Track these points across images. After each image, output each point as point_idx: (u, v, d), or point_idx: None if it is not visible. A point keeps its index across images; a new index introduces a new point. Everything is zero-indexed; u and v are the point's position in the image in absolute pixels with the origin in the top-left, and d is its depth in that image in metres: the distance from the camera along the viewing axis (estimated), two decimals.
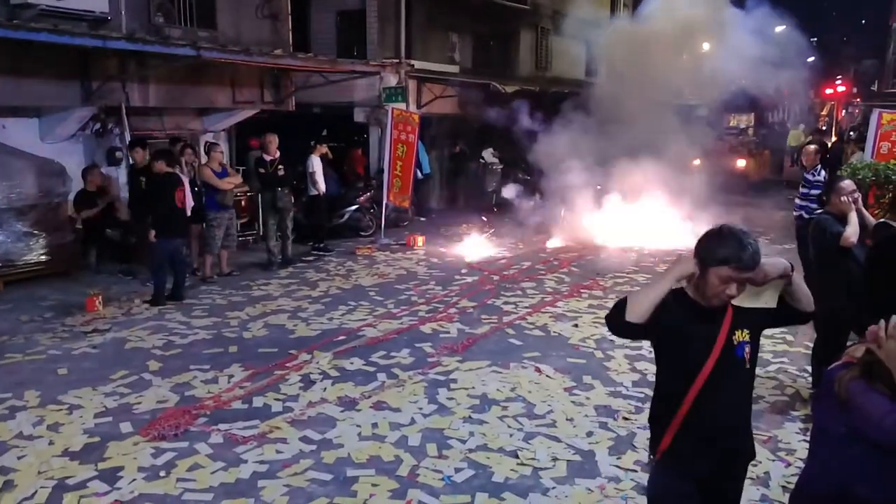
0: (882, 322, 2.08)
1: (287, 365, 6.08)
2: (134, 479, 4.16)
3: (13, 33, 7.40)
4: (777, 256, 2.57)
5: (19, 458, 4.42)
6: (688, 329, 2.51)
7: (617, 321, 2.49)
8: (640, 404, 5.25)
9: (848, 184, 5.12)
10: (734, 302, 2.53)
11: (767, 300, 2.57)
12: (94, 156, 9.89)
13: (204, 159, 9.91)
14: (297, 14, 12.85)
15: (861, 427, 2.09)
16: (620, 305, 2.49)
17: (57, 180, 8.96)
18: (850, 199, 4.97)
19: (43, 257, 8.77)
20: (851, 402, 2.09)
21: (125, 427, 4.86)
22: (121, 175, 9.84)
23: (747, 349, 2.56)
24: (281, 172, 9.87)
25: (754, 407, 4.98)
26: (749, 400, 2.72)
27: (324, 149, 11.08)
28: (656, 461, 2.67)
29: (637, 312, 2.43)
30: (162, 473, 4.24)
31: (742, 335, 2.55)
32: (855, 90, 29.60)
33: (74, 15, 8.55)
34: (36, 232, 8.70)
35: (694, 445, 2.58)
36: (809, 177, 8.23)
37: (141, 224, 8.58)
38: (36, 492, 4.01)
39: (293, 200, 10.37)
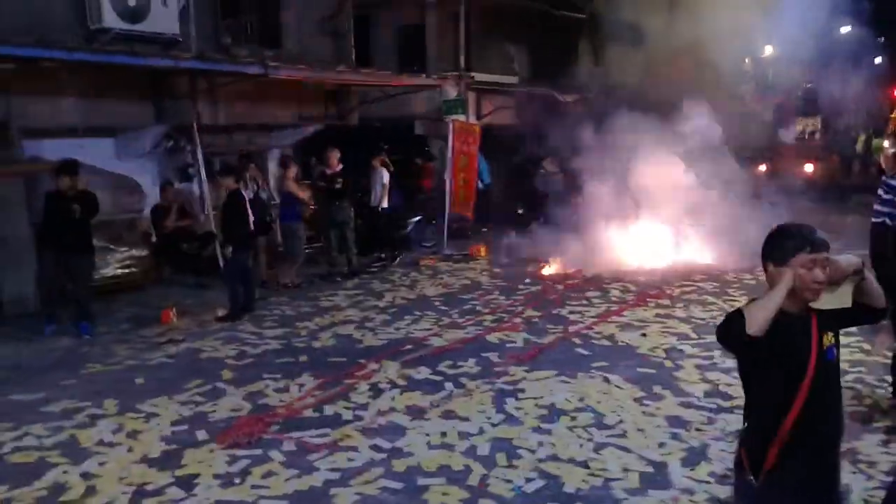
0: None
1: (356, 374, 6.13)
2: (210, 486, 4.25)
3: (92, 56, 7.76)
4: (850, 254, 2.50)
5: (100, 464, 4.57)
6: (784, 338, 2.44)
7: (736, 335, 2.41)
8: (712, 415, 5.09)
9: None
10: (813, 305, 2.47)
11: (843, 300, 2.50)
12: (167, 172, 10.26)
13: (271, 174, 10.19)
14: (358, 30, 13.08)
15: None
16: (736, 319, 2.42)
17: (132, 196, 9.35)
18: None
19: (119, 271, 9.14)
20: None
21: (201, 435, 4.97)
22: (194, 190, 10.18)
23: (835, 352, 2.51)
24: (338, 185, 10.05)
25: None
26: (842, 404, 2.62)
27: (378, 162, 11.16)
28: (760, 484, 2.53)
29: (758, 325, 2.36)
30: (237, 480, 4.32)
31: (829, 339, 2.50)
32: None
33: (148, 38, 8.91)
34: (112, 246, 9.08)
35: (803, 458, 2.48)
36: (893, 182, 7.83)
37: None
38: (117, 498, 4.13)
39: (353, 213, 10.52)
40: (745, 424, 2.71)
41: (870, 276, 2.49)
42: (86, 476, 4.41)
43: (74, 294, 7.61)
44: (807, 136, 21.73)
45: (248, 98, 10.63)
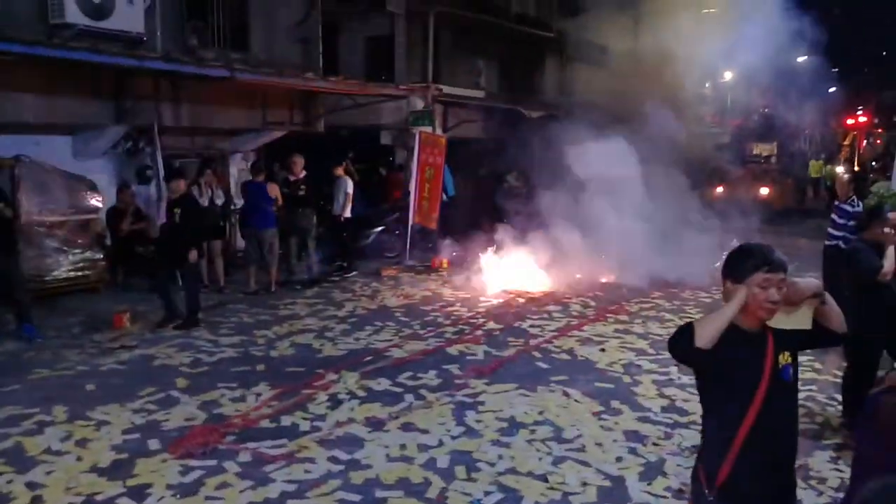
0: None
1: (314, 384, 6.05)
2: (162, 497, 4.15)
3: (52, 52, 7.57)
4: (811, 276, 2.57)
5: (48, 473, 4.42)
6: (737, 354, 2.49)
7: (684, 347, 2.47)
8: (669, 430, 5.17)
9: (895, 216, 5.04)
10: (772, 324, 2.53)
11: (802, 321, 2.56)
12: (125, 174, 10.04)
13: (232, 178, 10.07)
14: (327, 38, 13.03)
15: None
16: (687, 332, 2.48)
17: (88, 197, 9.11)
18: (894, 231, 4.89)
19: (72, 273, 8.89)
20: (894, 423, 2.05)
21: (153, 444, 4.85)
22: (152, 193, 9.96)
23: (791, 372, 2.56)
24: (301, 192, 9.96)
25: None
26: (797, 423, 2.68)
27: (341, 170, 11.08)
28: (714, 498, 2.58)
29: (707, 338, 2.42)
30: (190, 491, 4.22)
31: (785, 357, 2.55)
32: (876, 121, 29.47)
33: (112, 35, 8.72)
34: (66, 248, 8.83)
35: (755, 474, 2.52)
36: (848, 208, 8.08)
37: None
38: None
39: (315, 221, 10.44)
40: (701, 438, 2.76)
41: (830, 300, 2.55)
42: (31, 486, 4.26)
43: (10, 296, 7.37)
44: (762, 160, 22.34)
45: (212, 101, 10.48)
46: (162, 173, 9.48)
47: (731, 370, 2.50)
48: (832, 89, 29.93)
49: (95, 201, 9.23)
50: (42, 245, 8.61)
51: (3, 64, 7.75)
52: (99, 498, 4.13)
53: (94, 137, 9.51)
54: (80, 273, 8.91)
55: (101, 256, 9.32)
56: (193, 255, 7.83)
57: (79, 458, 4.63)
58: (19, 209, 8.34)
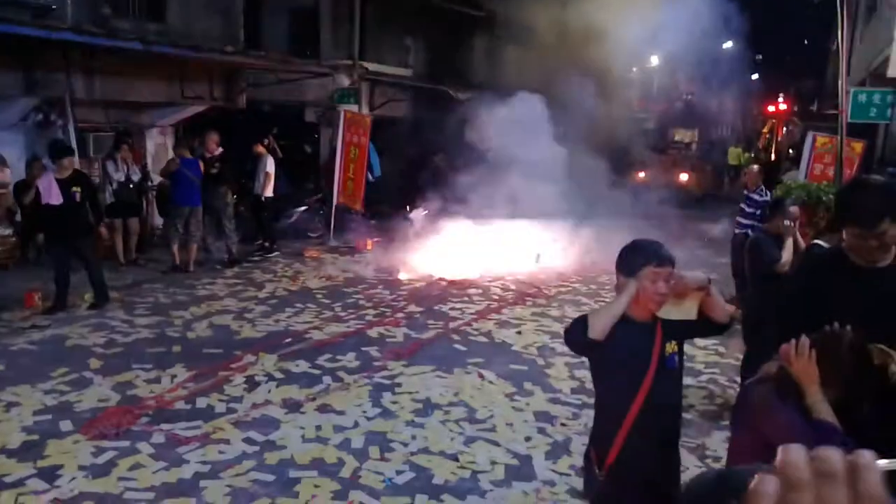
0: (793, 341, 2.27)
1: (232, 366, 6.07)
2: (74, 478, 4.14)
3: None
4: (699, 270, 2.79)
5: None
6: (627, 343, 2.69)
7: (578, 338, 2.67)
8: (577, 410, 5.42)
9: (795, 209, 5.36)
10: (661, 314, 2.72)
11: (689, 312, 2.76)
12: (36, 147, 9.65)
13: (149, 154, 9.83)
14: (249, 10, 12.73)
15: (771, 438, 2.27)
16: (581, 323, 2.66)
17: None
18: (793, 224, 5.21)
19: None
20: (764, 414, 2.28)
21: (65, 425, 4.81)
22: None
23: (677, 360, 2.78)
24: (215, 170, 9.86)
25: (685, 416, 5.26)
26: (681, 406, 2.92)
27: (261, 148, 10.95)
28: (604, 478, 2.77)
29: (599, 330, 2.61)
30: (102, 472, 4.23)
31: (672, 346, 2.76)
32: (796, 109, 30.61)
33: (19, 2, 8.34)
34: None
35: (642, 454, 2.71)
36: (756, 197, 8.49)
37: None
38: None
39: (231, 199, 10.32)
40: (593, 422, 2.98)
41: (715, 292, 2.76)
42: None
43: None
44: (683, 146, 22.96)
45: (127, 73, 10.14)
46: (76, 147, 9.19)
47: (622, 358, 2.70)
48: (755, 76, 31.04)
49: (4, 175, 8.86)
50: None
51: None
52: (8, 479, 4.10)
53: (2, 109, 9.09)
54: None
55: (11, 232, 8.98)
56: (105, 231, 7.73)
57: None
58: None
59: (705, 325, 2.81)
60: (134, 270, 9.46)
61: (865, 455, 0.58)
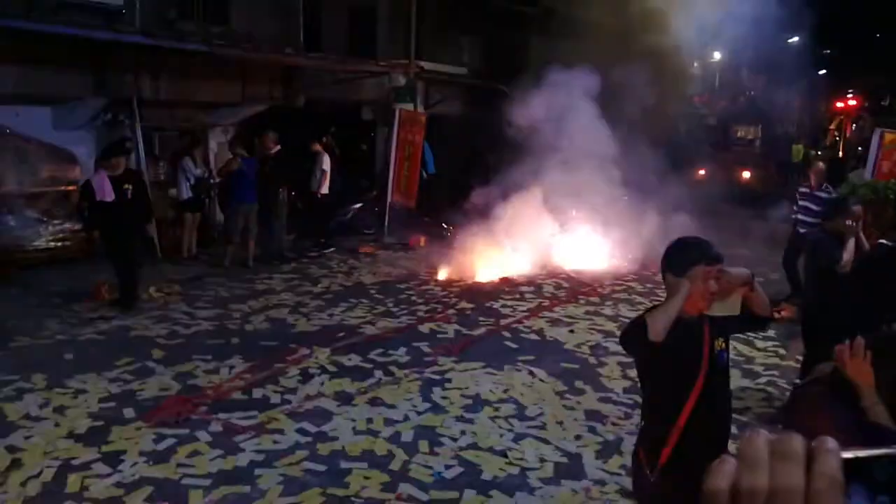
0: (848, 341, 2.20)
1: (287, 358, 6.22)
2: (135, 463, 4.32)
3: (33, 26, 7.57)
4: (742, 267, 2.76)
5: (26, 438, 4.58)
6: (678, 342, 2.66)
7: (639, 340, 2.65)
8: (629, 410, 5.35)
9: (858, 209, 5.18)
10: (707, 312, 2.70)
11: (733, 307, 2.74)
12: (105, 146, 10.06)
13: (211, 152, 10.14)
14: (308, 11, 12.96)
15: None
16: (639, 325, 2.64)
17: (67, 168, 9.14)
18: (856, 224, 5.03)
19: (52, 243, 8.95)
20: (817, 417, 2.22)
21: (128, 412, 5.01)
22: (132, 164, 10.00)
23: (726, 356, 2.76)
24: (270, 169, 10.05)
25: (742, 418, 5.15)
26: (731, 403, 2.89)
27: (318, 146, 11.17)
28: (655, 478, 2.75)
29: (659, 331, 2.59)
30: (162, 458, 4.39)
31: (720, 344, 2.74)
32: (866, 105, 29.37)
33: (91, 7, 8.71)
34: (45, 218, 8.89)
35: (694, 454, 2.66)
36: (823, 195, 8.21)
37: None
38: (42, 471, 4.17)
39: (284, 197, 10.53)
40: (642, 423, 2.95)
41: (758, 287, 2.73)
42: (11, 449, 4.42)
43: None
44: (746, 143, 22.35)
45: (192, 74, 10.46)
46: (142, 146, 9.56)
47: (674, 357, 2.67)
48: (822, 72, 29.93)
49: (75, 173, 9.27)
50: (22, 216, 8.67)
51: None
52: (75, 463, 4.29)
53: (74, 109, 9.51)
54: (60, 244, 8.97)
55: (82, 227, 9.37)
56: (152, 228, 7.78)
57: (56, 425, 4.79)
58: None
59: (749, 320, 2.80)
60: (196, 265, 9.76)
61: (829, 441, 0.59)
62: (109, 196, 7.37)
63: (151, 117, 10.36)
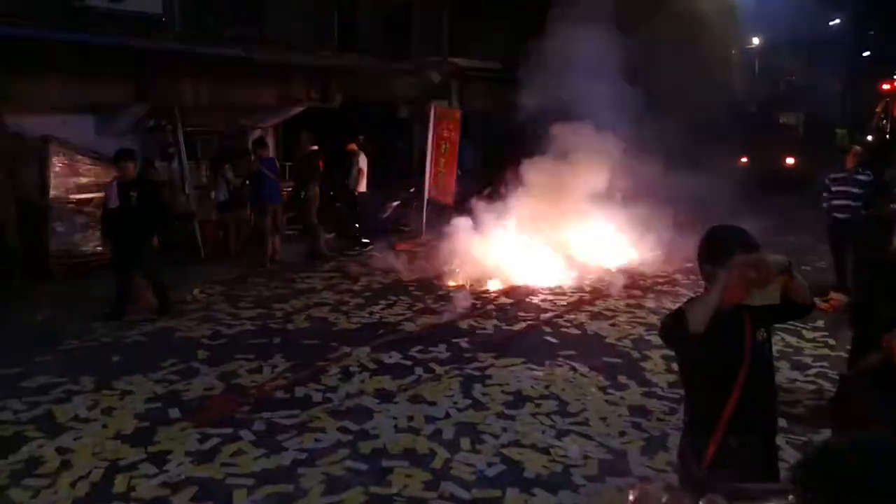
0: None
1: (328, 357, 6.26)
2: (181, 463, 4.38)
3: (75, 36, 7.76)
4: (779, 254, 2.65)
5: (75, 439, 4.69)
6: (719, 334, 2.57)
7: (678, 333, 2.57)
8: (674, 405, 5.24)
9: None
10: (746, 302, 2.60)
11: (772, 296, 2.62)
12: (148, 151, 10.27)
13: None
14: (342, 11, 13.06)
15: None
16: (679, 317, 2.57)
17: (111, 174, 9.32)
18: None
19: (99, 248, 9.15)
20: (865, 407, 2.14)
21: (173, 413, 5.10)
22: (174, 169, 10.22)
23: (768, 347, 2.69)
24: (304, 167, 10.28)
25: (792, 411, 5.00)
26: (777, 395, 2.79)
27: (353, 145, 11.25)
28: (703, 473, 2.67)
29: (700, 323, 2.50)
30: (207, 458, 4.45)
31: (762, 334, 2.66)
32: None
33: (131, 16, 8.90)
34: (93, 224, 9.09)
35: (740, 446, 2.63)
36: (864, 178, 8.04)
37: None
38: (90, 472, 4.26)
39: (314, 195, 10.62)
40: (686, 418, 2.88)
41: (797, 275, 2.63)
42: (61, 450, 4.52)
43: None
44: (788, 129, 21.88)
45: (231, 78, 10.62)
46: (184, 151, 9.74)
47: (716, 350, 2.59)
48: (866, 53, 29.05)
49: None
50: (71, 222, 8.90)
51: (30, 47, 7.97)
52: (122, 463, 4.38)
53: (117, 116, 9.73)
54: (104, 248, 9.16)
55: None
56: (155, 241, 7.42)
57: (104, 426, 4.89)
58: (47, 189, 8.66)
59: (790, 309, 2.68)
60: (239, 265, 9.88)
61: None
62: (114, 202, 7.31)
63: (192, 121, 10.54)
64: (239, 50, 9.37)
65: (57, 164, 8.79)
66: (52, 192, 8.77)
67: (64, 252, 8.88)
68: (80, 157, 9.05)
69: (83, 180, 9.05)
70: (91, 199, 9.03)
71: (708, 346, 2.57)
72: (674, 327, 2.61)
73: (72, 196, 8.92)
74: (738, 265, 2.53)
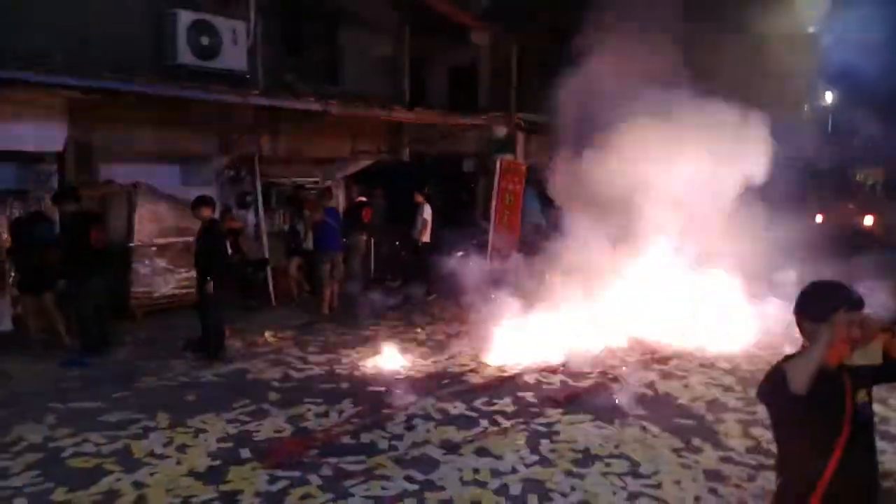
0: None
1: (394, 405, 6.28)
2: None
3: (169, 90, 8.30)
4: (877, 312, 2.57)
5: (151, 474, 4.82)
6: (819, 395, 2.47)
7: (781, 393, 2.48)
8: (753, 472, 5.04)
9: None
10: (847, 362, 2.51)
11: (874, 356, 2.53)
12: (228, 199, 10.73)
13: None
14: (414, 70, 13.52)
15: None
16: (780, 378, 2.49)
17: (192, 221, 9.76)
18: None
19: (177, 290, 9.53)
20: None
21: (244, 453, 5.19)
22: (251, 217, 10.63)
23: (870, 408, 2.58)
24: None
25: (885, 485, 4.73)
26: (878, 459, 2.68)
27: (420, 197, 11.51)
28: None
29: (802, 382, 2.42)
30: (276, 500, 4.50)
31: (863, 395, 2.56)
32: None
33: (218, 74, 9.46)
34: (172, 267, 9.49)
35: None
36: None
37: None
38: None
39: (362, 243, 11.07)
40: (779, 480, 2.76)
41: None
42: (137, 485, 4.66)
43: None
44: (867, 187, 21.23)
45: (307, 131, 11.08)
46: (261, 199, 10.15)
47: (816, 411, 2.50)
48: None
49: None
50: (153, 265, 9.32)
51: (125, 101, 8.53)
52: (194, 500, 4.47)
53: (201, 166, 10.26)
54: (185, 290, 9.53)
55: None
56: (210, 285, 7.54)
57: (178, 462, 5.01)
58: (133, 233, 9.10)
59: (891, 370, 2.57)
60: (309, 311, 10.09)
61: None
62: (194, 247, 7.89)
63: (269, 172, 10.98)
64: (318, 104, 9.79)
65: (143, 208, 9.26)
66: (137, 236, 9.22)
67: (144, 293, 9.27)
68: (163, 202, 9.51)
69: (165, 225, 9.50)
70: (172, 244, 9.45)
71: (809, 406, 2.47)
72: (773, 385, 2.53)
73: (155, 240, 9.36)
74: (843, 322, 2.45)
